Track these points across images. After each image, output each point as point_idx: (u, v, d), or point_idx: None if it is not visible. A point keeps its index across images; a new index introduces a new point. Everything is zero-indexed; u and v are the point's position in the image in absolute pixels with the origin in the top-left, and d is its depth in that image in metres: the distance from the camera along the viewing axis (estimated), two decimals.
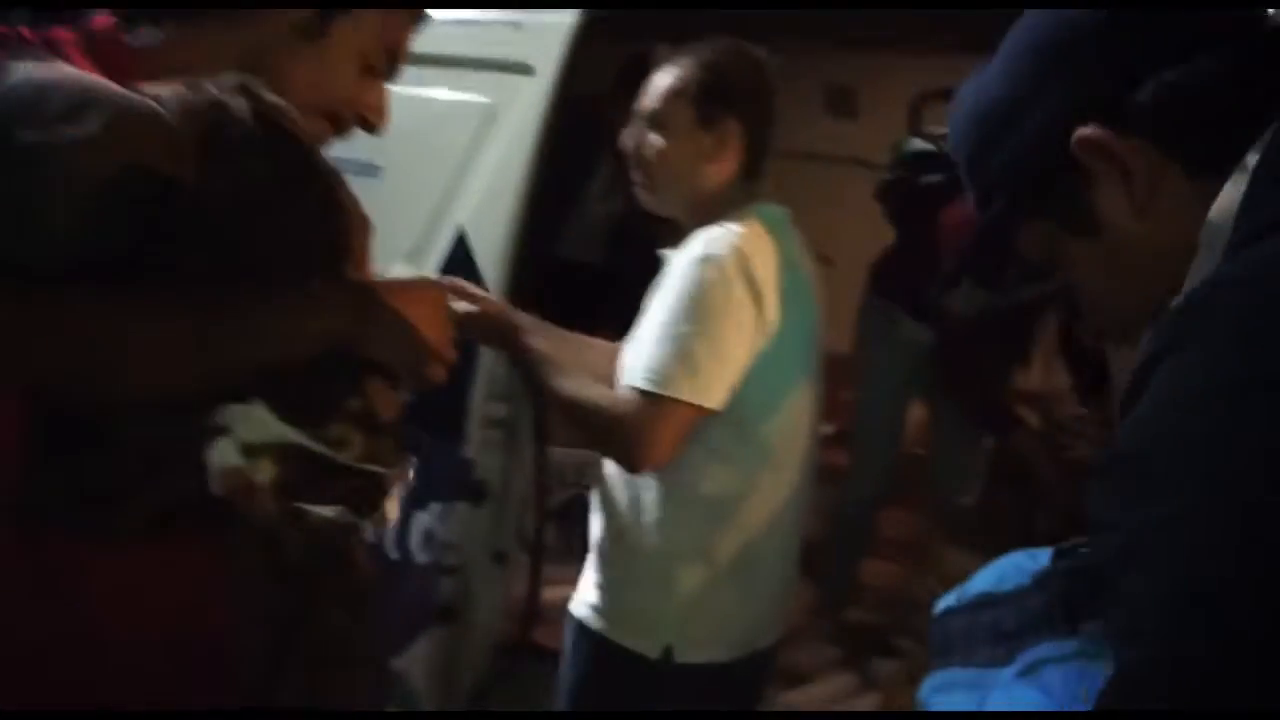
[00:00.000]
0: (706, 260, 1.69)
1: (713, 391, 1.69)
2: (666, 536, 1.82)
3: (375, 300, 1.06)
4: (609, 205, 3.75)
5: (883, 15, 3.44)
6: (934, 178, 3.01)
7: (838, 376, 3.92)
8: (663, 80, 1.84)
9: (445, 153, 2.69)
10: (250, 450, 0.93)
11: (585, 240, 3.82)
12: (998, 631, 0.99)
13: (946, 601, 1.12)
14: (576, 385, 1.76)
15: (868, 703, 2.99)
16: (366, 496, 0.96)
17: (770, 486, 1.83)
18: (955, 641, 1.04)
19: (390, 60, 1.20)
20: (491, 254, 2.62)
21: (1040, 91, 0.82)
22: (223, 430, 0.94)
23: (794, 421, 1.85)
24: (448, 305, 1.15)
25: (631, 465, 1.76)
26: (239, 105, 0.97)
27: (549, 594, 3.08)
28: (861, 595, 3.40)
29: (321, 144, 1.13)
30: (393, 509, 1.03)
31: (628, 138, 1.90)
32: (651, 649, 1.82)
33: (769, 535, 1.85)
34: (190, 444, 0.95)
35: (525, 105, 2.62)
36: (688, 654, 1.82)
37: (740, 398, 1.75)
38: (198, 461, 0.95)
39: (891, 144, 4.10)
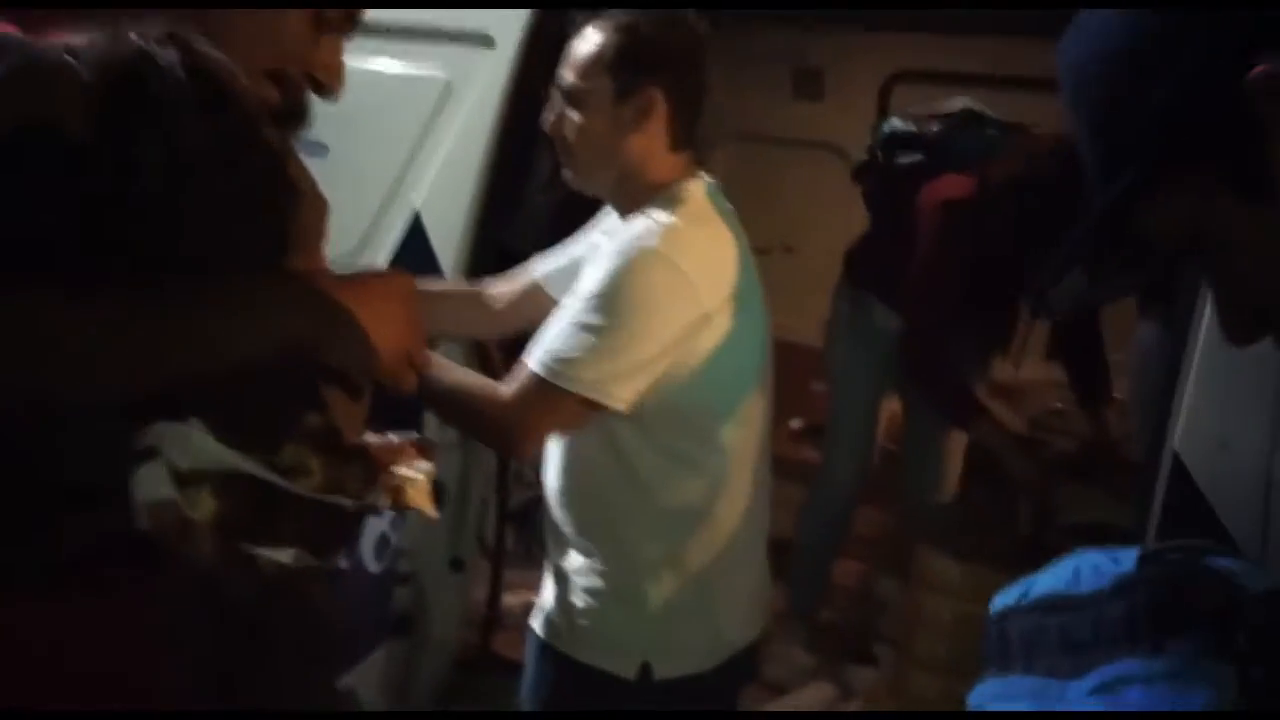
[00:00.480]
0: (631, 252, 1.56)
1: (611, 388, 1.57)
2: (638, 550, 1.71)
3: (335, 297, 0.89)
4: (550, 193, 3.59)
5: None
6: (912, 157, 2.89)
7: (807, 369, 3.85)
8: (578, 51, 1.69)
9: (398, 131, 2.52)
10: (185, 479, 0.76)
11: (529, 229, 3.66)
12: (1068, 640, 0.91)
13: (1006, 599, 1.03)
14: (451, 369, 1.67)
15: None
16: (329, 535, 0.79)
17: (738, 488, 1.74)
18: (1015, 646, 0.95)
19: (347, 14, 1.04)
20: (448, 239, 2.47)
21: (1202, 19, 0.65)
22: (151, 454, 0.77)
23: (753, 419, 1.76)
24: (419, 300, 0.98)
25: (505, 448, 1.72)
26: (169, 59, 0.80)
27: (509, 600, 2.96)
28: (832, 596, 3.29)
29: (267, 110, 0.95)
30: (428, 502, 0.86)
31: (547, 116, 1.75)
32: (627, 669, 1.70)
33: (740, 537, 1.75)
34: (111, 471, 0.78)
35: (485, 80, 2.46)
36: (667, 669, 1.71)
37: (704, 404, 1.66)
38: (120, 492, 0.77)
39: (859, 127, 4.02)
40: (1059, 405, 3.59)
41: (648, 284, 1.56)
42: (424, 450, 0.91)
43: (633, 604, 1.71)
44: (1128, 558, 0.99)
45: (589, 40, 1.67)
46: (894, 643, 3.01)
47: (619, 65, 1.64)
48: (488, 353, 2.36)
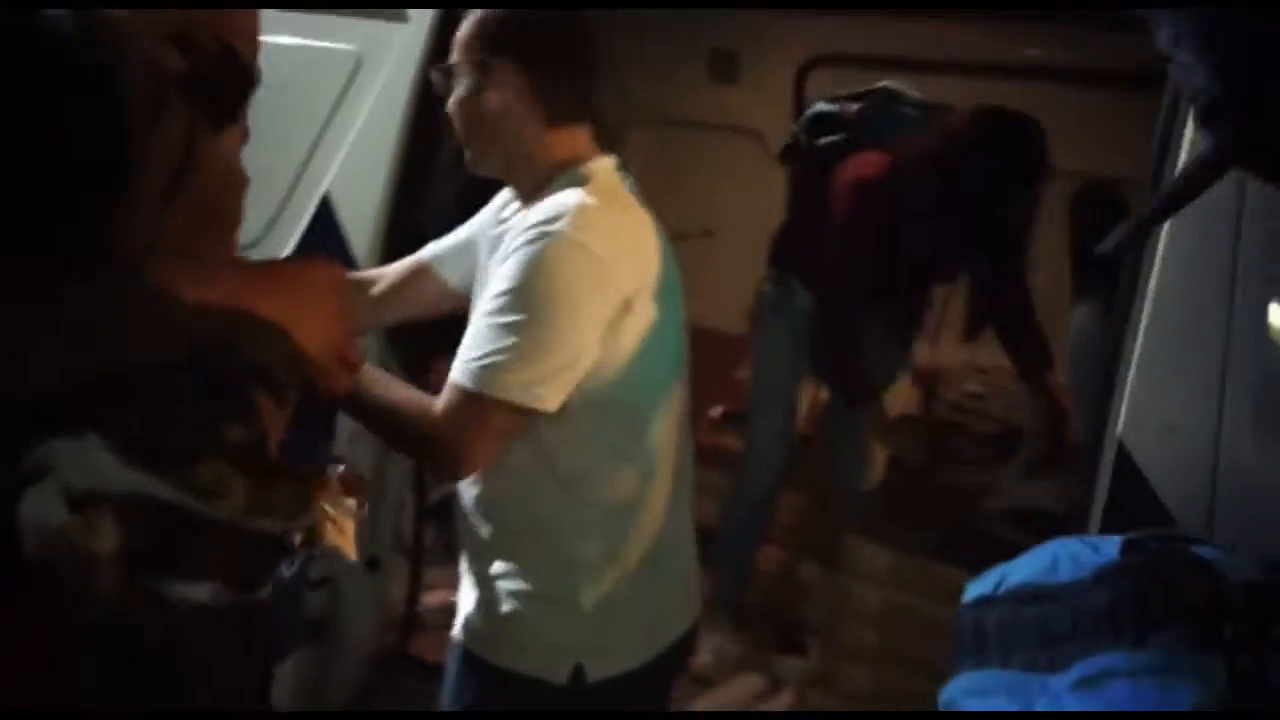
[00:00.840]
0: (542, 240, 1.49)
1: (542, 391, 1.50)
2: (572, 551, 1.64)
3: (255, 286, 0.79)
4: (457, 176, 3.48)
5: None
6: (832, 138, 2.86)
7: (727, 355, 3.79)
8: (459, 31, 1.69)
9: (306, 108, 2.39)
10: (81, 502, 0.65)
11: (437, 213, 3.55)
12: (1046, 632, 0.89)
13: (980, 588, 0.99)
14: (384, 385, 1.57)
15: (782, 703, 2.84)
16: (255, 566, 0.69)
17: (666, 477, 1.69)
18: (990, 638, 0.93)
19: None
20: (361, 223, 2.35)
21: None
22: (40, 472, 0.66)
23: (677, 406, 1.72)
24: (349, 291, 0.88)
25: (449, 472, 1.61)
26: (53, 13, 0.69)
27: (428, 600, 2.84)
28: (755, 583, 3.25)
29: (174, 78, 0.83)
30: (350, 545, 0.76)
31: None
32: (558, 673, 1.63)
33: (672, 526, 1.71)
34: None
35: (398, 56, 2.35)
36: (600, 670, 1.65)
37: (632, 395, 1.60)
38: (3, 517, 0.66)
39: (776, 111, 3.99)
40: (978, 389, 3.60)
41: (564, 273, 1.48)
42: (350, 486, 0.80)
43: (566, 606, 1.64)
44: (1108, 546, 0.96)
45: (467, 19, 1.66)
46: (819, 631, 2.99)
47: (473, 42, 1.63)
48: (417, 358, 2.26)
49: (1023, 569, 1.00)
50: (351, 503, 0.79)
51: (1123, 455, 1.61)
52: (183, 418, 0.69)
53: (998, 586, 1.00)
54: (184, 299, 0.74)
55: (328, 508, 0.77)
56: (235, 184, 0.82)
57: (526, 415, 1.50)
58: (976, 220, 2.59)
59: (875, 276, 2.66)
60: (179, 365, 0.72)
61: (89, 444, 0.66)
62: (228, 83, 0.86)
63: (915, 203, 2.56)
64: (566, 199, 1.53)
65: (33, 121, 0.71)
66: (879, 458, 3.06)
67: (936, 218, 2.57)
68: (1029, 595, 0.95)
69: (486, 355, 1.48)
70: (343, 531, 0.78)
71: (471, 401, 1.48)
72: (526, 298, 1.48)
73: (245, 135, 0.90)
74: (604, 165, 1.65)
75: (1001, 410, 3.43)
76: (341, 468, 0.79)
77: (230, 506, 0.66)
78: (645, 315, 1.57)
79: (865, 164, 2.68)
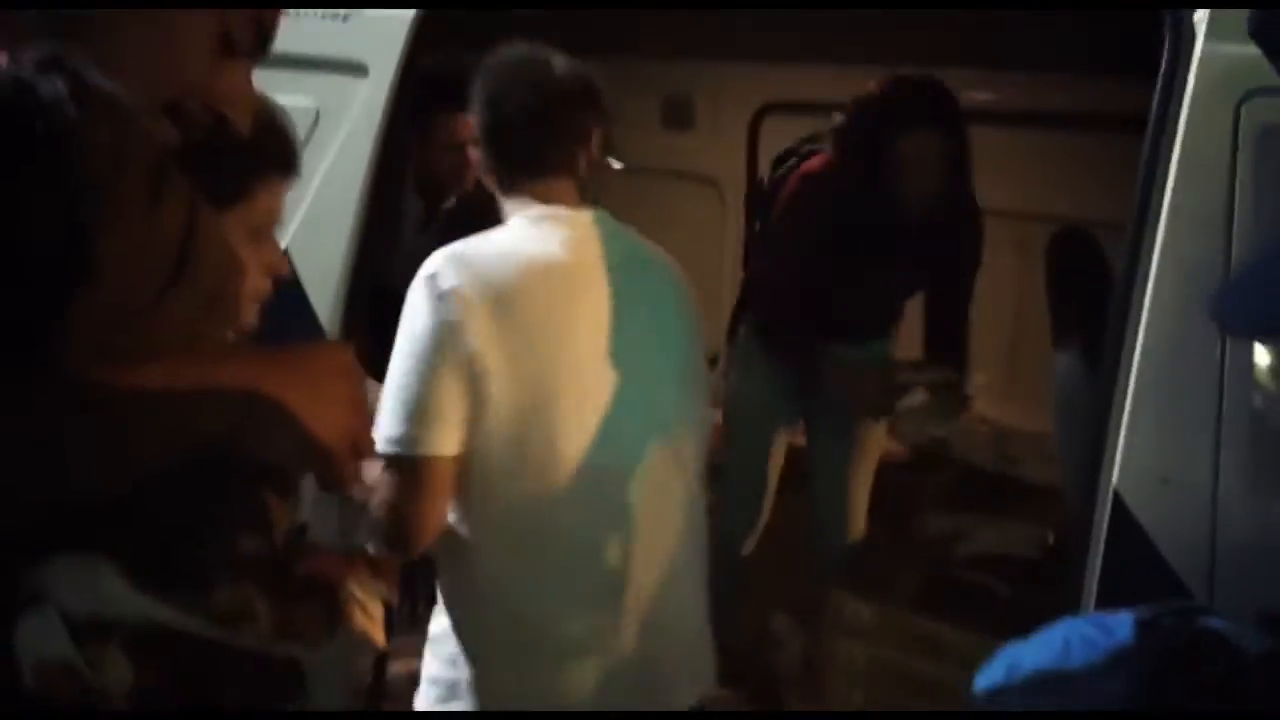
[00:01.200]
0: (413, 288, 1.51)
1: (432, 436, 1.44)
2: (549, 624, 1.54)
3: (261, 371, 0.73)
4: (428, 233, 3.41)
5: (722, 21, 3.29)
6: (787, 165, 2.90)
7: None
8: None
9: None
10: (84, 632, 0.58)
11: (407, 270, 3.48)
12: None
13: (993, 676, 0.98)
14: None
15: None
16: (285, 693, 0.62)
17: (651, 545, 1.60)
18: None
19: (257, 35, 0.88)
20: (323, 280, 2.28)
21: None
22: (36, 599, 0.59)
23: (659, 467, 1.62)
24: (360, 376, 0.82)
25: (403, 549, 1.45)
26: (53, 91, 0.63)
27: (395, 667, 2.73)
28: (729, 636, 3.17)
29: (168, 153, 0.78)
30: (379, 631, 0.70)
31: None
32: None
33: (664, 598, 1.60)
34: None
35: (358, 110, 2.29)
36: None
37: (587, 456, 1.52)
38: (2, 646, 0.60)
39: (730, 157, 3.99)
40: (940, 433, 3.57)
41: (419, 313, 1.47)
42: (378, 568, 0.74)
43: (548, 671, 1.54)
44: (1119, 627, 0.94)
45: None
46: (792, 683, 2.92)
47: None
48: None
49: (1033, 654, 0.98)
50: (382, 586, 0.73)
51: (1118, 507, 1.60)
52: (193, 531, 0.63)
53: (1011, 673, 0.98)
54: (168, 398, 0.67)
55: (357, 592, 0.71)
56: (232, 266, 0.76)
57: (443, 463, 1.44)
58: (912, 205, 2.57)
59: (817, 266, 2.64)
60: (183, 471, 0.65)
61: (92, 565, 0.60)
62: (225, 155, 0.81)
63: (851, 186, 2.58)
64: (454, 244, 1.55)
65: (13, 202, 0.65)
66: (860, 509, 3.00)
67: (876, 206, 2.56)
68: (1043, 682, 0.94)
69: (384, 415, 1.44)
70: (372, 617, 0.72)
71: (390, 471, 1.44)
72: (397, 347, 1.48)
73: (275, 215, 0.85)
74: (558, 212, 1.63)
75: (963, 453, 3.41)
76: (371, 548, 0.74)
77: (255, 633, 0.60)
78: (574, 357, 1.53)
79: (807, 164, 2.76)
